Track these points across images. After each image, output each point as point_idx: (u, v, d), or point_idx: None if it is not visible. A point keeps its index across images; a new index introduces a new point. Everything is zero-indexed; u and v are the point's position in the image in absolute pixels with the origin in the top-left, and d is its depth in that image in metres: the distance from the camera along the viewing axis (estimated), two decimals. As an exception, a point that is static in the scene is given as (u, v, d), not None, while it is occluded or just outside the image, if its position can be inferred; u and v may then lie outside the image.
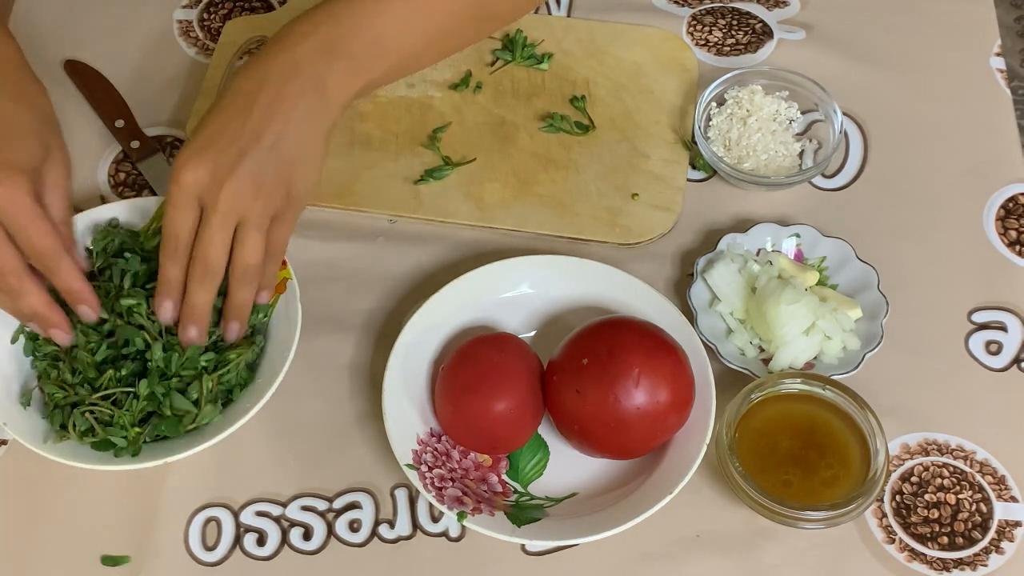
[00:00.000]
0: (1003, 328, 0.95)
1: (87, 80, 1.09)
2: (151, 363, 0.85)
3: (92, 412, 0.84)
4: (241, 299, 0.85)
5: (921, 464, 0.89)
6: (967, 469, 0.88)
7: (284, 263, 0.90)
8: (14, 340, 0.89)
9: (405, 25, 0.87)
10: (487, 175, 1.02)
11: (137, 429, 0.84)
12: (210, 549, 0.86)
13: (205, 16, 1.15)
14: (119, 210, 0.95)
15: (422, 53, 0.91)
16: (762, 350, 0.92)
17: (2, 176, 0.77)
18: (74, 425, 0.84)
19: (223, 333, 0.86)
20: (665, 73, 1.09)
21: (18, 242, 0.80)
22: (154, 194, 1.01)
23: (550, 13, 1.14)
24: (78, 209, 0.98)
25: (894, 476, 0.88)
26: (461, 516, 0.82)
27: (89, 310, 0.84)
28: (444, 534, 0.86)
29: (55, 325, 0.83)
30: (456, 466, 0.87)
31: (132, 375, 0.85)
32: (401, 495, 0.88)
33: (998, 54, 1.10)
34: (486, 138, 1.05)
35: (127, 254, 0.90)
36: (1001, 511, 0.87)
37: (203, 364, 0.86)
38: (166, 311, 0.84)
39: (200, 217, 0.81)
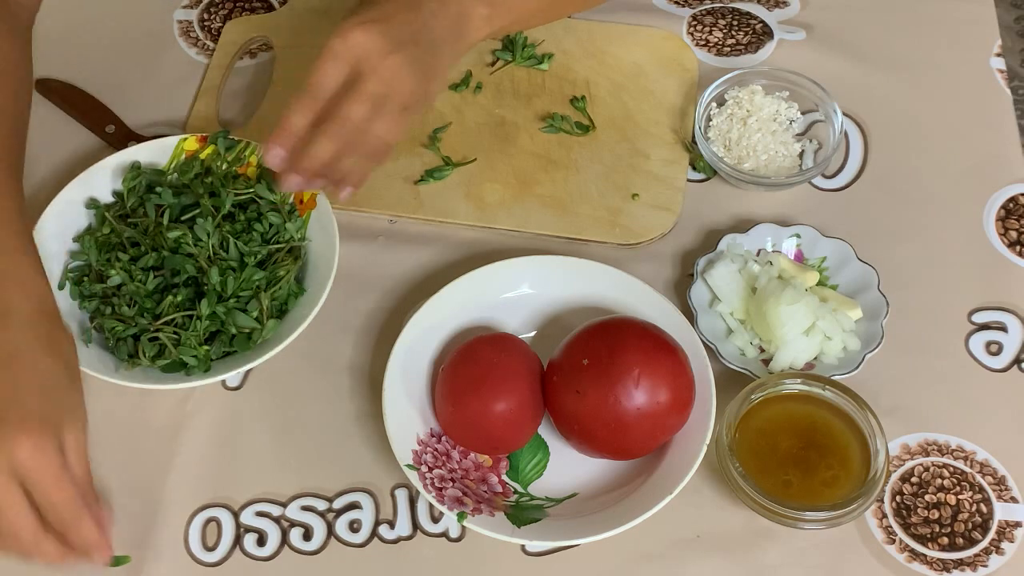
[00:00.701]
0: (1003, 328, 0.95)
1: (65, 95, 1.08)
2: (208, 287, 0.88)
3: (159, 338, 0.87)
4: (364, 167, 0.87)
5: (921, 464, 0.89)
6: (967, 469, 0.88)
7: None
8: (60, 286, 0.92)
9: None
10: (487, 175, 1.02)
11: (206, 347, 0.87)
12: (210, 549, 0.86)
13: (205, 16, 1.15)
14: (138, 153, 0.98)
15: (536, 15, 0.99)
16: (762, 350, 0.92)
17: (32, 429, 0.75)
18: (144, 352, 0.87)
19: (339, 195, 0.88)
20: (665, 73, 1.09)
21: (38, 496, 0.76)
22: None
23: (550, 13, 1.14)
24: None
25: (894, 476, 0.88)
26: (461, 516, 0.82)
27: (103, 555, 0.79)
28: (444, 534, 0.86)
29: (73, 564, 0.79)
30: (456, 466, 0.87)
31: (188, 300, 0.89)
32: (401, 495, 0.88)
33: (998, 54, 1.10)
34: (486, 138, 1.05)
35: (158, 188, 0.93)
36: (1001, 512, 0.87)
37: (257, 283, 0.89)
38: (276, 157, 0.84)
39: (345, 82, 0.83)
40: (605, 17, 1.13)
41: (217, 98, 1.07)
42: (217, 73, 1.08)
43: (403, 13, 0.85)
